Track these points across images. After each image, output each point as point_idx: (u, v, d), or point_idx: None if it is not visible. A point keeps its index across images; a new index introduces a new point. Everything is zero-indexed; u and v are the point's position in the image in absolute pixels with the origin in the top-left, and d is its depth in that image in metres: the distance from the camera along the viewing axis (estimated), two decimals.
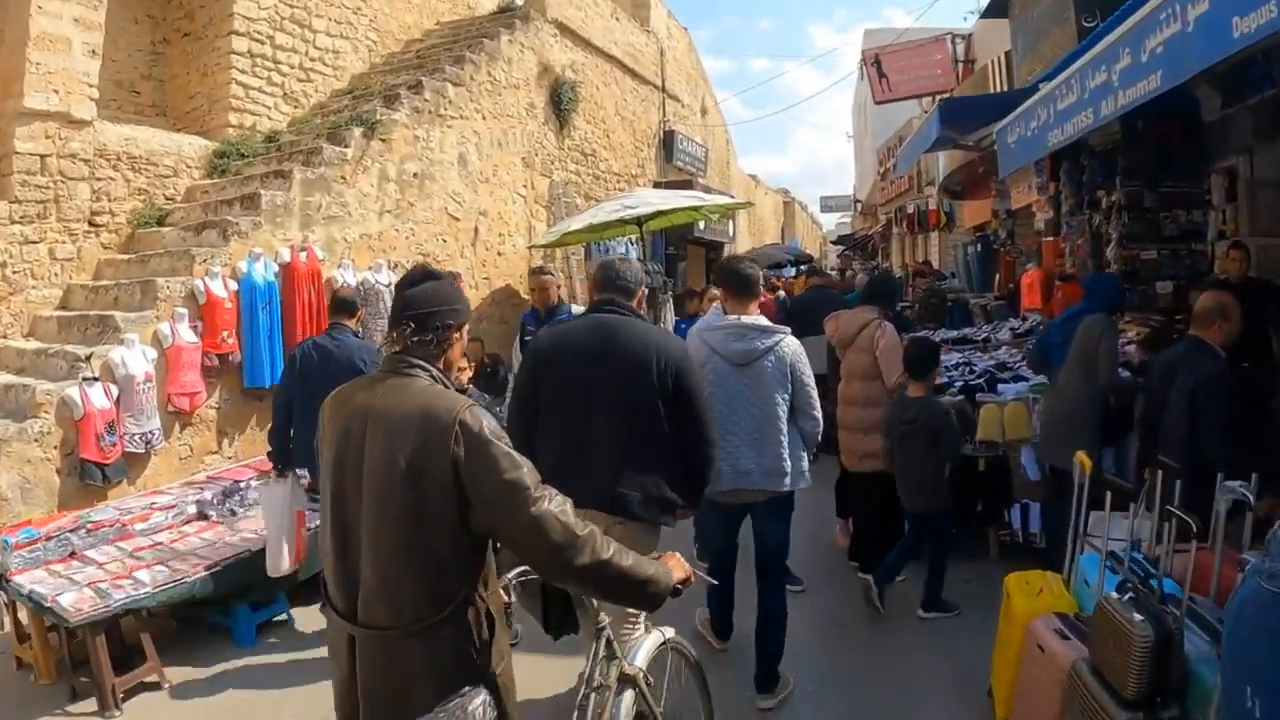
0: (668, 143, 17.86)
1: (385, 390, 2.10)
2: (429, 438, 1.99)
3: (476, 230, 10.77)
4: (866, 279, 15.47)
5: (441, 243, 10.09)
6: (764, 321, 4.03)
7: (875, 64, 15.84)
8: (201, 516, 5.57)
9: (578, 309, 6.97)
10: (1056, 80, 5.00)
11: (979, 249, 14.16)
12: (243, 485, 5.89)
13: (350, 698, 2.09)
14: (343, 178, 8.56)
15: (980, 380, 5.89)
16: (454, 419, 1.99)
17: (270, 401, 7.53)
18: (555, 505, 2.03)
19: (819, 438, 4.09)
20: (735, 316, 4.02)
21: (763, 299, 6.51)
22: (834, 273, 18.11)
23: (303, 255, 7.83)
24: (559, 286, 7.61)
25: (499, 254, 11.40)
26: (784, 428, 3.90)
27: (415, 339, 2.14)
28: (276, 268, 7.60)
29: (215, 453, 7.12)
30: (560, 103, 12.78)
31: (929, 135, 8.01)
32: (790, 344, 3.96)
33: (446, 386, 2.15)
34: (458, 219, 10.39)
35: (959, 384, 5.87)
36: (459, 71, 10.49)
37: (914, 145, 9.56)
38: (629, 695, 2.60)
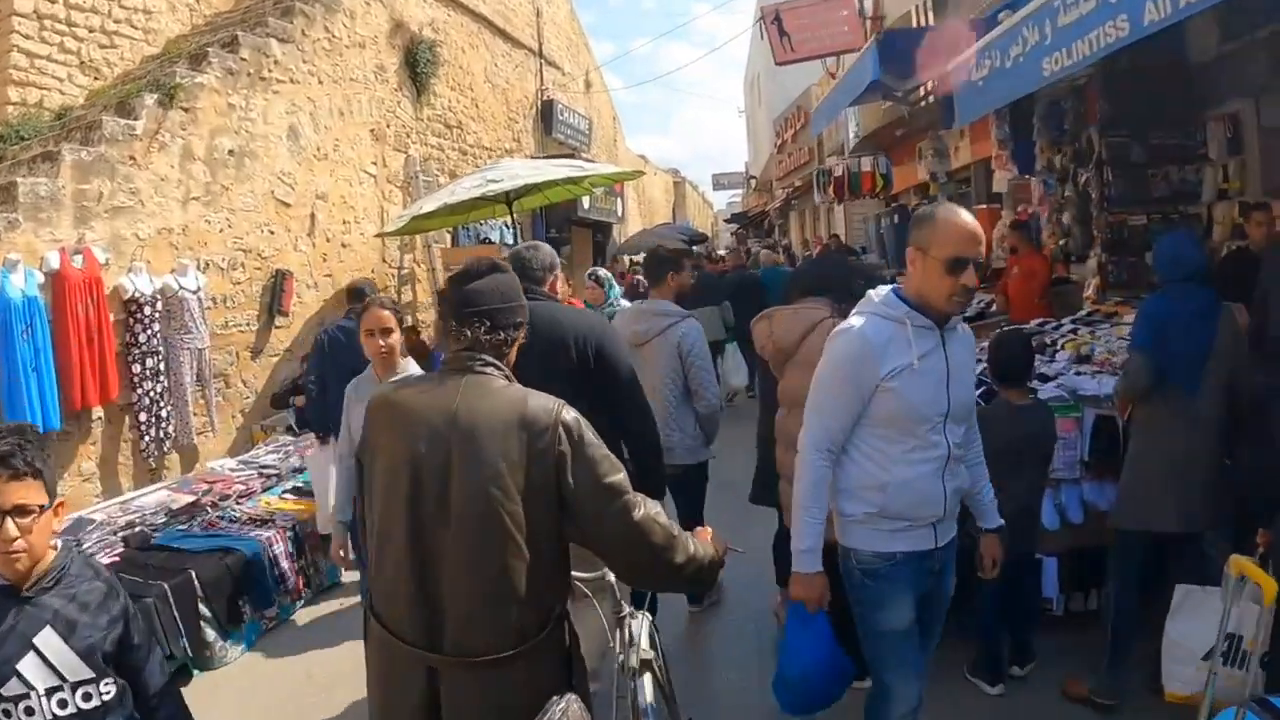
0: (546, 113, 16.45)
1: (464, 394, 1.94)
2: (532, 442, 1.87)
3: (313, 217, 9.15)
4: (766, 253, 14.37)
5: (268, 234, 8.46)
6: (671, 307, 4.42)
7: (776, 21, 14.75)
8: None
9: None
10: None
11: (895, 221, 13.02)
12: None
13: None
14: (131, 158, 6.89)
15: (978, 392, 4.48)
16: (555, 420, 1.90)
17: (52, 448, 6.09)
18: (653, 508, 1.98)
19: (716, 419, 4.38)
20: (649, 300, 4.59)
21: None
22: (726, 253, 17.03)
23: (77, 259, 6.19)
24: None
25: (344, 245, 9.80)
26: (670, 404, 4.23)
27: (487, 336, 2.00)
28: (41, 278, 5.97)
29: None
30: (417, 66, 11.23)
31: (860, 81, 6.80)
32: (684, 327, 4.30)
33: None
34: (288, 204, 8.76)
35: None
36: (287, 25, 8.84)
37: (839, 96, 8.31)
38: (648, 677, 2.67)
